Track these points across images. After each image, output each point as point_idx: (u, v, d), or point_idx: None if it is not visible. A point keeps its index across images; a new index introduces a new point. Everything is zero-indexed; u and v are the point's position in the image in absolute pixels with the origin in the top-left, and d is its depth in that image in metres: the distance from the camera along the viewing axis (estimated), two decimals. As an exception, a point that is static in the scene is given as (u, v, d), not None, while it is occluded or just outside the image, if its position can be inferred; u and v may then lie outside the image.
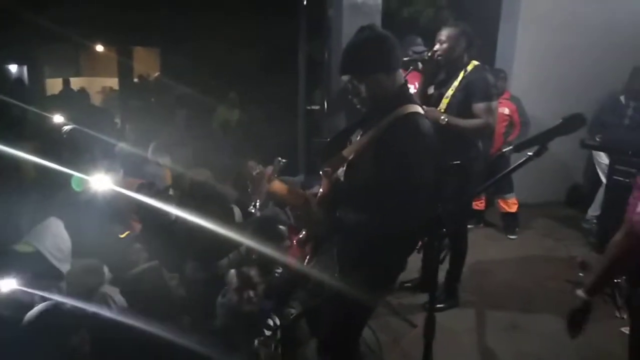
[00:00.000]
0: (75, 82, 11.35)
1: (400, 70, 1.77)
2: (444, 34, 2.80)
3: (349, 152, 1.77)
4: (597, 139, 4.11)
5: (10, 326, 1.81)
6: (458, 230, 3.09)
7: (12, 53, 10.71)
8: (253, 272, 2.23)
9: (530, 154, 1.38)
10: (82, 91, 10.45)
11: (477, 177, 2.84)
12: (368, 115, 1.81)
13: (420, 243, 1.80)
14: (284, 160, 2.07)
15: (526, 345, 2.78)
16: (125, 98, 10.50)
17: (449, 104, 2.81)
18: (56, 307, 1.85)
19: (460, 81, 2.79)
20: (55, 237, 2.33)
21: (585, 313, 1.62)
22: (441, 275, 3.12)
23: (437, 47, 2.82)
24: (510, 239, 4.46)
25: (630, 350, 1.61)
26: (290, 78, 5.15)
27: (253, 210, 2.74)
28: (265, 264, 2.53)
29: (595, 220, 4.36)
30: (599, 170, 4.55)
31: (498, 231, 4.63)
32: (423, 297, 3.18)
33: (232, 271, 2.24)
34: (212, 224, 2.46)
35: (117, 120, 8.19)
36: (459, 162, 2.44)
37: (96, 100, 10.92)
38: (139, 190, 3.07)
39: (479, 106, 2.74)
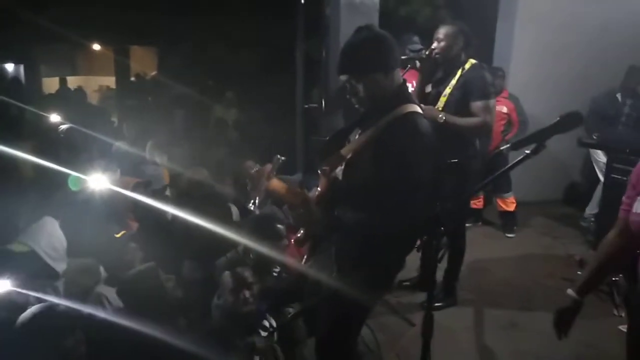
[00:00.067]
0: (72, 81, 11.34)
1: (399, 70, 1.76)
2: (441, 32, 2.81)
3: (347, 151, 1.76)
4: (595, 137, 4.11)
5: (4, 328, 1.80)
6: (456, 229, 3.09)
7: (9, 52, 10.67)
8: (247, 273, 2.22)
9: (528, 152, 1.37)
10: (79, 90, 10.43)
11: (475, 175, 2.83)
12: (367, 114, 1.80)
13: (418, 242, 1.80)
14: (283, 158, 2.08)
15: (524, 343, 2.78)
16: (122, 97, 10.48)
17: (446, 102, 2.80)
18: (50, 309, 1.84)
19: (458, 79, 2.79)
20: (50, 236, 2.33)
21: (574, 312, 1.59)
22: (439, 274, 3.11)
23: (434, 45, 2.82)
24: (509, 237, 4.46)
25: (628, 348, 1.60)
26: (288, 77, 5.14)
27: (252, 208, 2.74)
28: (263, 263, 2.52)
29: (593, 219, 4.37)
30: (596, 169, 4.55)
31: (496, 229, 4.62)
32: (421, 296, 3.17)
33: (227, 272, 2.23)
34: (209, 223, 2.46)
35: (114, 120, 8.15)
36: (457, 160, 2.44)
37: (93, 99, 10.88)
38: (135, 189, 3.06)
39: (476, 104, 2.74)
